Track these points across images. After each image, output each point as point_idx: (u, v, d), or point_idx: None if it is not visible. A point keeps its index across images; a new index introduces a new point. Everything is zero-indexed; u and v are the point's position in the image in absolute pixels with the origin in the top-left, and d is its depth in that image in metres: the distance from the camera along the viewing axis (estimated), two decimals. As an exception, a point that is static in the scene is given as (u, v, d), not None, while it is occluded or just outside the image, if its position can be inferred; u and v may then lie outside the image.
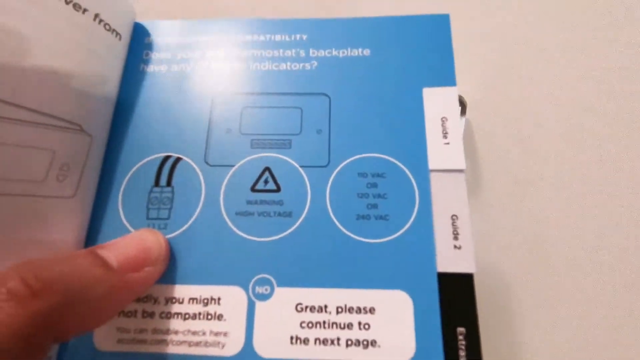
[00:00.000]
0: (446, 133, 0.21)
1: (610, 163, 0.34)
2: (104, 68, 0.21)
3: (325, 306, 0.18)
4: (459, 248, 0.19)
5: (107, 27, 0.21)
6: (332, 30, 0.23)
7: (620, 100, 0.32)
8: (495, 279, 0.38)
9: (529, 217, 0.36)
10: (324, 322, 0.18)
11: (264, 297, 0.19)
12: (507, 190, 0.35)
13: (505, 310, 0.39)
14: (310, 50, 0.23)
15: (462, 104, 0.31)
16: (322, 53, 0.23)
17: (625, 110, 0.33)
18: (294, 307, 0.18)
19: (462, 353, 0.18)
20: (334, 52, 0.23)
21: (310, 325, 0.18)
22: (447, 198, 0.20)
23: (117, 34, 0.22)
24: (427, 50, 0.22)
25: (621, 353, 0.39)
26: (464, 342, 0.18)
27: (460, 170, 0.20)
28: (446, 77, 0.22)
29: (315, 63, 0.22)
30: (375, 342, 0.18)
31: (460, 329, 0.18)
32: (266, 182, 0.20)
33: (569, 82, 0.32)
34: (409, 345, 0.18)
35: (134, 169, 0.21)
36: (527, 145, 0.34)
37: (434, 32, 0.22)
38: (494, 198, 0.35)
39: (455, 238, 0.19)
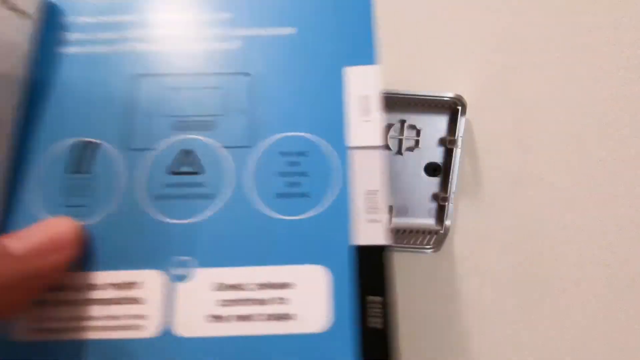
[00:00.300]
0: (366, 111, 0.21)
1: (610, 163, 0.34)
2: (9, 48, 0.20)
3: (245, 284, 0.19)
4: (375, 222, 0.20)
5: (13, 6, 0.20)
6: (257, 8, 0.22)
7: (621, 100, 0.32)
8: (495, 279, 0.38)
9: (529, 217, 0.36)
10: (243, 300, 0.19)
11: (183, 279, 0.19)
12: (507, 190, 0.35)
13: (505, 310, 0.39)
14: (234, 29, 0.22)
15: (462, 104, 0.32)
16: (246, 32, 0.22)
17: (626, 110, 0.33)
18: (214, 286, 0.19)
19: (378, 320, 0.19)
20: (259, 31, 0.22)
21: (230, 303, 0.19)
22: (364, 174, 0.20)
23: (25, 13, 0.21)
24: (349, 29, 0.22)
25: (621, 352, 0.39)
26: (379, 310, 0.19)
27: (378, 147, 0.21)
28: (367, 56, 0.22)
29: (239, 42, 0.22)
30: (294, 315, 0.19)
31: (376, 298, 0.19)
32: (187, 164, 0.20)
33: (569, 82, 0.32)
34: (325, 315, 0.19)
35: (50, 154, 0.20)
36: (527, 145, 0.34)
37: (356, 12, 0.22)
38: (494, 198, 0.35)
39: (372, 212, 0.20)
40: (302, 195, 0.20)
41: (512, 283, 0.38)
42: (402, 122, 0.33)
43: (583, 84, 0.32)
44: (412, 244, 0.34)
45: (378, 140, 0.21)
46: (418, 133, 0.34)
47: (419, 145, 0.34)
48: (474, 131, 0.34)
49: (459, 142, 0.33)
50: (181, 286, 0.19)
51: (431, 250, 0.33)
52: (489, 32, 0.31)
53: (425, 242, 0.34)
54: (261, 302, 0.19)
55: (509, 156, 0.34)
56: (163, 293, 0.19)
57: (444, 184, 0.34)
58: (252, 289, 0.19)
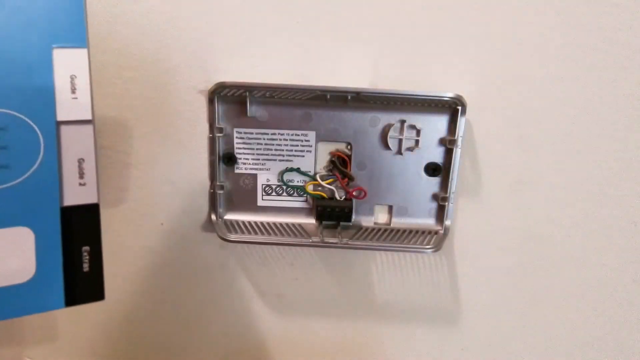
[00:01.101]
0: (74, 89, 0.23)
1: (610, 163, 0.34)
2: None
3: None
4: (84, 185, 0.23)
5: None
6: None
7: (620, 100, 0.32)
8: (495, 279, 0.38)
9: (529, 217, 0.36)
10: None
11: None
12: (507, 190, 0.35)
13: (505, 310, 0.39)
14: None
15: (462, 104, 0.32)
16: None
17: (625, 110, 0.33)
18: None
19: (85, 265, 0.23)
20: None
21: None
22: (74, 144, 0.23)
23: None
24: (58, 13, 0.23)
25: (621, 352, 0.39)
26: (87, 257, 0.24)
27: (88, 121, 0.23)
28: (77, 39, 0.23)
29: None
30: None
31: (85, 248, 0.23)
32: None
33: (569, 82, 0.32)
34: (29, 267, 0.23)
35: None
36: (527, 145, 0.34)
37: None
38: (494, 198, 0.35)
39: (81, 177, 0.23)
40: (3, 167, 0.22)
41: (512, 283, 0.38)
42: (402, 122, 0.34)
43: (583, 84, 0.32)
44: (412, 244, 0.34)
45: (86, 115, 0.23)
46: (418, 133, 0.34)
47: (419, 145, 0.34)
48: (474, 131, 0.34)
49: (459, 142, 0.33)
50: None
51: (431, 250, 0.33)
52: (489, 32, 0.31)
53: (425, 242, 0.34)
54: None
55: (509, 156, 0.34)
56: None
57: (444, 184, 0.34)
58: None
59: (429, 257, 0.38)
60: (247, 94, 0.32)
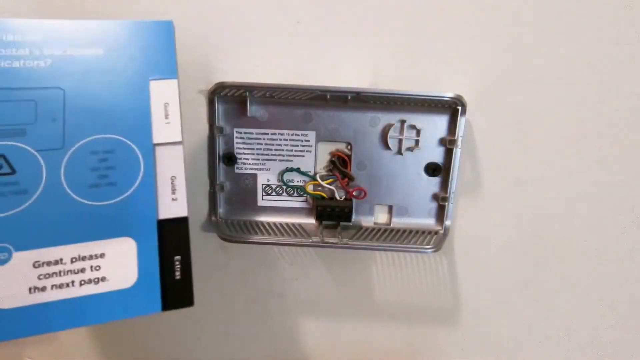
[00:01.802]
0: (167, 115, 0.26)
1: (610, 163, 0.34)
2: None
3: (61, 259, 0.24)
4: (176, 200, 0.26)
5: None
6: (66, 32, 0.26)
7: (620, 100, 0.32)
8: (495, 279, 0.38)
9: (529, 217, 0.36)
10: (60, 272, 0.24)
11: (1, 262, 0.23)
12: (507, 190, 0.35)
13: (505, 309, 0.39)
14: (45, 49, 0.26)
15: (462, 104, 0.32)
16: (56, 52, 0.26)
17: (625, 110, 0.33)
18: (32, 264, 0.23)
19: (177, 273, 0.26)
20: (69, 51, 0.26)
21: (47, 276, 0.24)
22: (167, 164, 0.26)
23: None
24: (153, 50, 0.27)
25: (621, 351, 0.39)
26: (179, 265, 0.26)
27: (178, 143, 0.26)
28: (169, 72, 0.27)
29: (49, 60, 0.26)
30: (105, 277, 0.25)
31: (177, 257, 0.26)
32: (1, 167, 0.24)
33: (568, 82, 0.32)
34: (132, 274, 0.25)
35: None
36: (527, 145, 0.34)
37: (159, 36, 0.27)
38: (494, 198, 0.35)
39: (173, 193, 0.26)
40: (110, 184, 0.25)
41: (511, 283, 0.38)
42: (402, 122, 0.34)
43: (583, 83, 0.32)
44: (412, 244, 0.34)
45: (177, 137, 0.26)
46: (418, 133, 0.34)
47: (419, 145, 0.34)
48: (474, 131, 0.34)
49: (459, 142, 0.33)
50: (1, 268, 0.23)
51: (431, 250, 0.33)
52: (489, 32, 0.31)
53: (425, 242, 0.34)
54: (75, 271, 0.24)
55: (509, 156, 0.34)
56: None
57: (444, 184, 0.34)
58: (66, 263, 0.24)
59: (429, 257, 0.38)
60: (247, 94, 0.32)
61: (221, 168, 0.35)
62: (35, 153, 0.25)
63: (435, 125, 0.34)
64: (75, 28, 0.26)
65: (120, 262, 0.25)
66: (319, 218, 0.35)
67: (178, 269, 0.26)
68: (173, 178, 0.26)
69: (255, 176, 0.35)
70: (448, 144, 0.33)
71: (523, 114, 0.33)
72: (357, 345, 0.41)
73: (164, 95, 0.27)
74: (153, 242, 0.25)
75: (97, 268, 0.25)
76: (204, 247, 0.37)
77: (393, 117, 0.34)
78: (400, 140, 0.34)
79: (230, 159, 0.35)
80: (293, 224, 0.36)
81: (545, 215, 0.36)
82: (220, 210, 0.36)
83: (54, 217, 0.24)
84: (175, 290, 0.26)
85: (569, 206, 0.35)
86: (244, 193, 0.36)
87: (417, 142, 0.34)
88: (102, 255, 0.25)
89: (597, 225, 0.36)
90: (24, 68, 0.25)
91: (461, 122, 0.32)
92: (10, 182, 0.24)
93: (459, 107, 0.32)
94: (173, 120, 0.27)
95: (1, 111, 0.24)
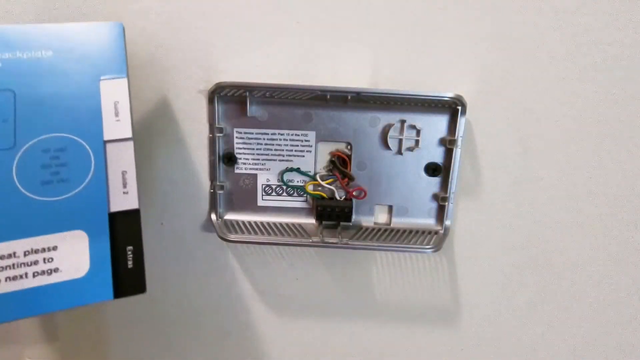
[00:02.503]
0: (117, 112, 0.28)
1: (610, 163, 0.34)
2: None
3: (14, 253, 0.25)
4: (127, 193, 0.27)
5: None
6: (14, 35, 0.27)
7: (620, 100, 0.32)
8: (495, 279, 0.38)
9: (529, 217, 0.36)
10: (13, 264, 0.25)
11: None
12: (507, 190, 0.35)
13: (505, 310, 0.39)
14: None
15: (462, 104, 0.32)
16: (5, 55, 0.27)
17: (625, 110, 0.33)
18: None
19: (130, 262, 0.27)
20: (18, 54, 0.27)
21: (1, 269, 0.25)
22: (118, 159, 0.27)
23: None
24: (103, 50, 0.28)
25: (621, 351, 0.39)
26: (131, 255, 0.27)
27: (128, 139, 0.28)
28: (118, 71, 0.28)
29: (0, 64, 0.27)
30: (57, 269, 0.26)
31: (129, 247, 0.27)
32: None
33: (569, 82, 0.32)
34: (84, 264, 0.26)
35: None
36: (527, 145, 0.34)
37: (109, 36, 0.28)
38: (494, 198, 0.35)
39: (124, 187, 0.27)
40: (62, 180, 0.26)
41: (511, 283, 0.38)
42: (402, 122, 0.34)
43: (583, 83, 0.32)
44: (412, 244, 0.34)
45: (127, 134, 0.28)
46: (418, 133, 0.34)
47: (419, 145, 0.34)
48: (474, 131, 0.34)
49: (459, 142, 0.33)
50: None
51: (431, 250, 0.33)
52: (489, 32, 0.31)
53: (425, 242, 0.34)
54: (28, 264, 0.25)
55: (509, 156, 0.34)
56: None
57: (444, 184, 0.34)
58: (19, 256, 0.25)
59: (429, 257, 0.38)
60: (247, 94, 0.32)
61: (221, 168, 0.35)
62: None
63: (435, 125, 0.34)
64: (24, 31, 0.27)
65: (72, 254, 0.26)
66: (319, 218, 0.35)
67: (130, 259, 0.27)
68: (124, 173, 0.27)
69: (255, 176, 0.35)
70: (448, 144, 0.33)
71: (523, 114, 0.33)
72: (357, 345, 0.41)
73: (114, 93, 0.28)
74: (105, 234, 0.27)
75: (50, 260, 0.26)
76: (204, 247, 0.37)
77: (393, 117, 0.34)
78: (400, 140, 0.34)
79: (230, 159, 0.35)
80: (293, 224, 0.36)
81: (545, 215, 0.36)
82: (220, 210, 0.36)
83: (6, 213, 0.26)
84: (128, 279, 0.27)
85: (568, 206, 0.35)
86: (244, 193, 0.36)
87: (417, 142, 0.34)
88: (54, 248, 0.26)
89: (597, 225, 0.36)
90: None
91: (461, 122, 0.32)
92: None
93: (459, 107, 0.32)
94: (123, 117, 0.28)
95: None
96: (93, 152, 0.27)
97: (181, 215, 0.37)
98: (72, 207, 0.26)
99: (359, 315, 0.40)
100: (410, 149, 0.34)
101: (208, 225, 0.37)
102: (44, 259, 0.26)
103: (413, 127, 0.34)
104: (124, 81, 0.28)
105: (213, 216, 0.35)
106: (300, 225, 0.36)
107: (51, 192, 0.26)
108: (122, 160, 0.27)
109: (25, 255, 0.26)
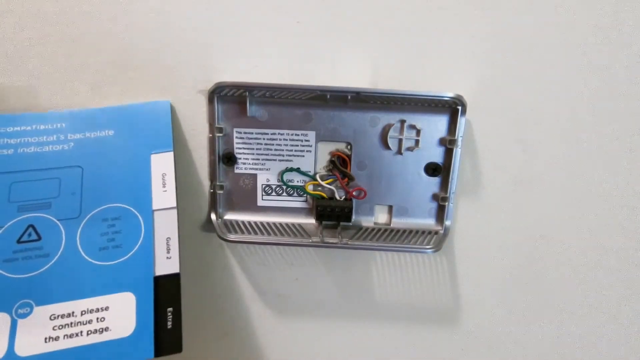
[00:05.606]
0: (165, 183, 0.31)
1: (610, 163, 0.34)
2: None
3: (73, 312, 0.28)
4: (170, 258, 0.29)
5: None
6: (84, 118, 0.32)
7: (621, 100, 0.32)
8: (495, 279, 0.38)
9: (529, 217, 0.36)
10: (71, 323, 0.27)
11: (24, 316, 0.27)
12: (507, 190, 0.35)
13: (505, 309, 0.39)
14: (69, 134, 0.31)
15: (462, 104, 0.32)
16: (77, 136, 0.31)
17: (625, 110, 0.33)
18: (48, 317, 0.27)
19: (169, 322, 0.28)
20: (87, 134, 0.31)
21: (60, 327, 0.27)
22: (164, 226, 0.30)
23: None
24: (152, 127, 0.32)
25: (621, 351, 0.39)
26: (171, 316, 0.28)
27: (173, 208, 0.30)
28: (166, 145, 0.31)
29: (72, 144, 0.31)
30: (108, 328, 0.28)
31: (169, 308, 0.29)
32: (29, 234, 0.28)
33: (569, 82, 0.32)
34: (131, 324, 0.28)
35: None
36: (527, 145, 0.34)
37: (157, 114, 0.32)
38: (494, 198, 0.35)
39: (168, 252, 0.30)
40: (117, 246, 0.29)
41: (512, 283, 0.38)
42: (402, 122, 0.33)
43: (583, 83, 0.32)
44: (412, 244, 0.34)
45: (172, 203, 0.30)
46: (418, 133, 0.34)
47: (419, 145, 0.34)
48: (474, 131, 0.34)
49: (459, 142, 0.33)
50: (23, 321, 0.27)
51: (431, 250, 0.33)
52: (489, 32, 0.31)
53: (425, 242, 0.34)
54: (84, 322, 0.27)
55: (509, 156, 0.34)
56: (7, 328, 0.27)
57: (444, 184, 0.34)
58: (77, 315, 0.27)
59: (429, 257, 0.38)
60: (247, 93, 0.32)
61: (221, 168, 0.35)
62: (58, 222, 0.29)
63: (435, 125, 0.34)
64: (92, 114, 0.32)
65: (121, 314, 0.28)
66: (319, 218, 0.35)
67: (170, 320, 0.28)
68: (168, 239, 0.30)
69: (255, 176, 0.35)
70: (448, 144, 0.33)
71: (523, 113, 0.33)
72: (357, 346, 0.41)
73: (162, 166, 0.31)
74: (150, 296, 0.28)
75: (102, 319, 0.28)
76: (204, 247, 0.37)
77: (393, 117, 0.34)
78: (400, 140, 0.34)
79: (230, 159, 0.35)
80: (293, 224, 0.36)
81: (545, 215, 0.36)
82: (220, 210, 0.36)
83: (69, 276, 0.28)
84: (167, 338, 0.28)
85: (568, 206, 0.35)
86: (243, 193, 0.36)
87: (417, 142, 0.34)
88: (106, 308, 0.28)
89: (597, 225, 0.36)
90: (51, 152, 0.30)
91: (461, 122, 0.32)
92: (36, 247, 0.28)
93: (459, 107, 0.32)
94: (169, 187, 0.31)
95: (34, 188, 0.29)
96: (143, 220, 0.30)
97: (181, 215, 0.37)
98: (124, 271, 0.29)
99: (359, 315, 0.40)
100: (410, 149, 0.34)
101: (208, 225, 0.37)
102: (97, 319, 0.28)
103: (413, 127, 0.34)
104: (171, 155, 0.31)
105: (213, 216, 0.35)
106: (300, 225, 0.36)
107: (107, 257, 0.29)
108: (167, 228, 0.30)
109: (82, 314, 0.28)
